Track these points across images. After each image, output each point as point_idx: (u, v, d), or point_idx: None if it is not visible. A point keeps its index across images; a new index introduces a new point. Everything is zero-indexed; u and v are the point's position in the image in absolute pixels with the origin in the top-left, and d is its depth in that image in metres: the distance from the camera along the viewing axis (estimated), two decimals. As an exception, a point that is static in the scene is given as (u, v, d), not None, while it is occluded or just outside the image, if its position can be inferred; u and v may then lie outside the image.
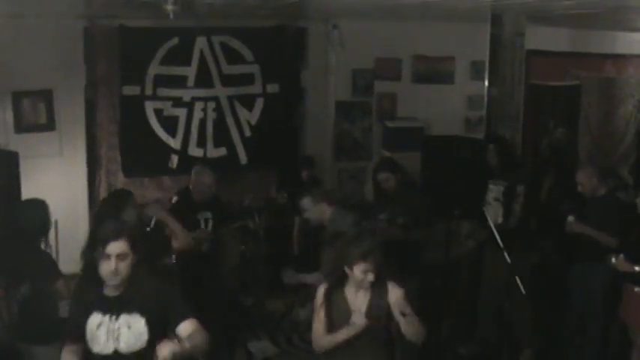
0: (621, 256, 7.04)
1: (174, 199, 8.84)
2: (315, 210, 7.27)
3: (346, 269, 5.52)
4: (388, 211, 8.11)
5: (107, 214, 6.67)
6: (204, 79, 10.50)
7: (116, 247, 4.72)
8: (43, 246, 6.56)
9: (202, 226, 8.53)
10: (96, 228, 6.69)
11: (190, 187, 8.82)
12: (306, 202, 7.38)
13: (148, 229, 7.04)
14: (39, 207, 6.42)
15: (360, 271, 5.44)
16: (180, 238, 6.72)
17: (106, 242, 4.73)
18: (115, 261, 4.70)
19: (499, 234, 7.70)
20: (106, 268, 4.71)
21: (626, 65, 13.54)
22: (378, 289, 5.54)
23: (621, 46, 13.00)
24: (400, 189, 8.16)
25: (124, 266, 4.74)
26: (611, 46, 12.95)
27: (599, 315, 8.07)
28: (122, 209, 6.56)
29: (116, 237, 4.75)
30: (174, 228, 6.88)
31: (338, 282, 5.65)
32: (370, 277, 5.44)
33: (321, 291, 5.76)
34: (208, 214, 8.63)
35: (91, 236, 6.59)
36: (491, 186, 8.50)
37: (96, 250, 4.77)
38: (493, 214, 8.26)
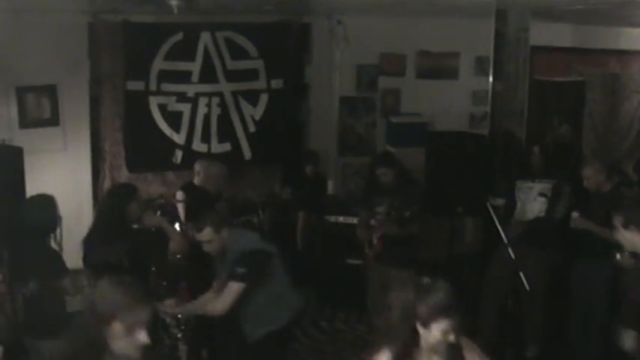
0: (627, 252, 7.02)
1: (179, 194, 8.83)
2: (218, 239, 6.30)
3: (419, 329, 4.24)
4: (386, 204, 8.09)
5: (111, 209, 6.66)
6: (208, 74, 10.50)
7: None
8: (50, 242, 6.55)
9: None
10: (98, 221, 6.71)
11: (197, 181, 8.83)
12: (206, 233, 6.27)
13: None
14: (47, 203, 6.40)
15: (439, 331, 4.18)
16: (176, 241, 6.72)
17: None
18: None
19: (539, 228, 7.79)
20: None
21: (631, 61, 13.52)
22: (452, 351, 4.31)
23: (626, 42, 12.97)
24: (397, 183, 8.14)
25: None
26: (616, 42, 12.93)
27: (604, 311, 8.05)
28: (126, 204, 6.54)
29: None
30: (170, 232, 6.90)
31: (406, 347, 4.29)
32: (451, 337, 4.19)
33: None
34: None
35: (93, 229, 6.61)
36: (532, 184, 8.47)
37: None
38: (537, 209, 8.28)
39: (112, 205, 6.72)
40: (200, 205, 8.26)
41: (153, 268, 7.21)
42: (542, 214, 8.25)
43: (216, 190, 9.02)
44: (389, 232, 7.95)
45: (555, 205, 8.23)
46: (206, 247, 6.26)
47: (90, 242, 6.49)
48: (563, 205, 8.24)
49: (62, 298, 6.35)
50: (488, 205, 7.47)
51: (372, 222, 8.22)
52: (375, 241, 8.11)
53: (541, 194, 8.33)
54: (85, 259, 6.50)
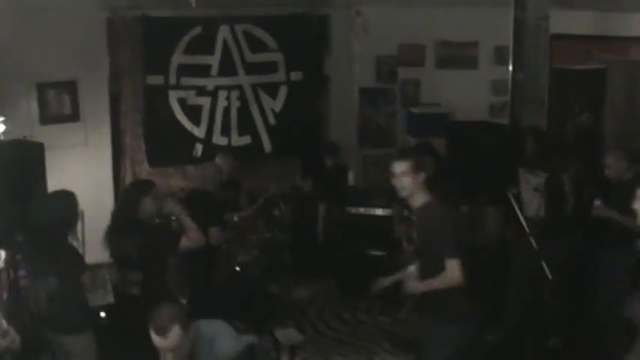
0: (645, 239, 6.99)
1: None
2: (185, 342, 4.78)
3: None
4: None
5: (124, 203, 6.67)
6: (227, 67, 10.52)
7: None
8: (70, 238, 6.57)
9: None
10: (112, 216, 6.72)
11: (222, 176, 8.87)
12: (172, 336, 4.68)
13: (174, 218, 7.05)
14: (67, 199, 6.41)
15: None
16: (191, 237, 6.56)
17: None
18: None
19: (544, 224, 7.73)
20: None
21: (652, 48, 13.44)
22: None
23: (646, 28, 12.89)
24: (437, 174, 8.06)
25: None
26: (637, 28, 12.83)
27: (627, 300, 8.02)
28: (140, 200, 6.52)
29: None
30: (187, 225, 6.61)
31: None
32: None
33: None
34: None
35: (109, 224, 6.62)
36: (527, 176, 8.42)
37: None
38: (532, 205, 8.22)
39: (125, 200, 6.74)
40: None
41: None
42: (541, 209, 8.21)
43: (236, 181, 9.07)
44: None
45: (558, 200, 8.21)
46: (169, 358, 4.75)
47: (106, 237, 6.52)
48: (566, 196, 8.23)
49: (83, 294, 6.39)
50: (509, 194, 7.44)
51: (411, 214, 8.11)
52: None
53: (536, 189, 8.29)
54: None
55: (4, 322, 6.41)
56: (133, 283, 6.20)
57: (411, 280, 6.12)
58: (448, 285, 5.75)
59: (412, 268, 6.14)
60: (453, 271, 5.69)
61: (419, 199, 5.93)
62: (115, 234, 6.45)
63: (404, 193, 5.96)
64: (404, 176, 5.84)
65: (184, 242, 6.40)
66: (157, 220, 6.84)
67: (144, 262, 6.20)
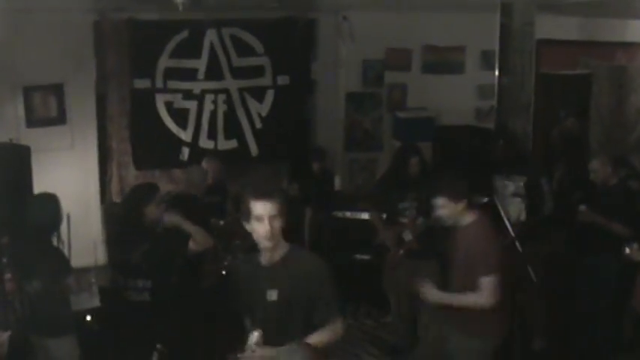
0: (635, 245, 7.01)
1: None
2: None
3: None
4: (410, 198, 8.01)
5: (130, 211, 6.56)
6: (214, 71, 10.53)
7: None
8: (54, 241, 6.56)
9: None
10: (121, 220, 6.65)
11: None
12: None
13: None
14: (50, 202, 6.40)
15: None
16: (198, 240, 6.49)
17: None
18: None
19: (530, 228, 7.74)
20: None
21: (638, 53, 13.46)
22: None
23: (632, 34, 12.91)
24: (423, 175, 8.08)
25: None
26: (622, 34, 12.88)
27: (611, 304, 8.05)
28: (145, 207, 6.45)
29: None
30: (191, 231, 6.49)
31: None
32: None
33: None
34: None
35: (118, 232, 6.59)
36: (504, 182, 8.45)
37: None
38: (515, 210, 8.24)
39: (129, 207, 6.62)
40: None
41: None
42: (522, 213, 8.24)
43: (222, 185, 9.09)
44: (423, 226, 7.90)
45: (538, 203, 8.24)
46: None
47: (112, 244, 6.48)
48: (545, 199, 8.27)
49: (67, 296, 6.37)
50: (494, 198, 7.46)
51: (403, 219, 8.12)
52: (408, 238, 8.05)
53: (515, 194, 8.32)
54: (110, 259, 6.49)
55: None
56: (142, 290, 6.15)
57: (433, 290, 6.17)
58: (479, 304, 5.84)
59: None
60: (487, 290, 5.78)
61: (465, 220, 6.02)
62: (121, 242, 6.41)
63: (449, 222, 6.08)
64: (444, 209, 5.97)
65: (192, 246, 6.35)
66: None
67: (152, 268, 6.14)
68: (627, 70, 13.39)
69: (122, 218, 6.74)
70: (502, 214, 7.25)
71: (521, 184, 8.29)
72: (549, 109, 12.42)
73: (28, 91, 9.60)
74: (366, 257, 9.74)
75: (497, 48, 10.16)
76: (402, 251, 8.07)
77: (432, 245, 7.80)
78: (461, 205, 5.95)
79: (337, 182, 11.40)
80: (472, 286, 5.84)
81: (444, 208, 5.99)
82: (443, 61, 11.91)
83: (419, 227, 7.96)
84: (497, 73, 10.21)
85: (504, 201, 8.23)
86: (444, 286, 6.23)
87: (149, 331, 5.91)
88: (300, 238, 10.35)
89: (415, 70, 11.86)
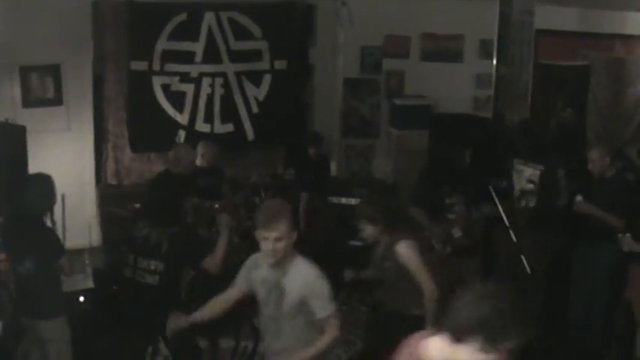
0: (628, 235, 7.03)
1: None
2: None
3: None
4: (459, 192, 7.85)
5: (171, 194, 6.45)
6: (212, 54, 10.50)
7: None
8: (48, 222, 6.54)
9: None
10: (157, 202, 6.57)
11: (201, 162, 8.79)
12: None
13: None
14: (44, 182, 6.38)
15: None
16: (216, 256, 6.34)
17: None
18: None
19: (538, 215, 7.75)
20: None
21: (636, 46, 13.48)
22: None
23: (631, 26, 12.93)
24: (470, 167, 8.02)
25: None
26: (621, 26, 12.88)
27: (605, 296, 8.06)
28: (186, 196, 6.40)
29: None
30: (220, 242, 6.29)
31: None
32: None
33: None
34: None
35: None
36: (522, 167, 8.44)
37: None
38: (522, 196, 8.25)
39: (169, 193, 6.45)
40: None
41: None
42: (532, 200, 8.24)
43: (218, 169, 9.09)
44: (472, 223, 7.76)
45: (550, 192, 8.23)
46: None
47: (136, 221, 6.39)
48: (561, 190, 8.26)
49: (58, 278, 6.35)
50: (490, 188, 7.46)
51: (452, 215, 7.87)
52: (457, 235, 7.81)
53: (530, 180, 8.30)
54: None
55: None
56: (150, 272, 6.08)
57: None
58: None
59: None
60: None
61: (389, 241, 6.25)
62: (143, 221, 6.28)
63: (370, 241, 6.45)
64: (365, 231, 6.31)
65: (206, 262, 6.22)
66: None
67: (169, 255, 6.06)
68: (625, 62, 13.40)
69: (157, 200, 6.57)
70: (497, 202, 7.26)
71: (538, 171, 8.28)
72: (547, 99, 12.43)
73: (24, 71, 9.56)
74: (360, 243, 9.75)
75: (496, 37, 10.16)
76: (449, 249, 7.90)
77: (478, 242, 7.70)
78: (379, 229, 6.16)
79: (333, 168, 11.39)
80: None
81: (365, 230, 6.29)
82: (441, 50, 11.90)
83: (469, 224, 7.77)
84: (495, 62, 10.21)
85: (517, 185, 8.25)
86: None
87: (151, 315, 5.85)
88: (296, 224, 10.37)
89: (413, 57, 11.84)
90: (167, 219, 6.09)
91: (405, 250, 6.06)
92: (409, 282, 6.06)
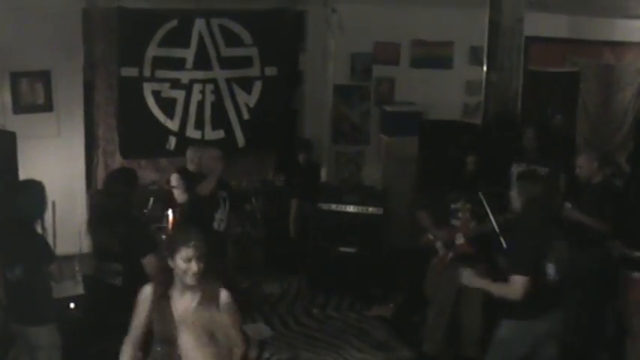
0: (617, 242, 7.05)
1: (174, 179, 8.56)
2: None
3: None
4: (464, 198, 7.86)
5: (114, 191, 6.51)
6: (202, 61, 10.52)
7: None
8: (38, 228, 6.54)
9: (221, 205, 8.37)
10: (102, 205, 6.62)
11: (190, 167, 8.69)
12: None
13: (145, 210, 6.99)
14: (35, 189, 6.37)
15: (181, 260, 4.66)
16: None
17: None
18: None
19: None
20: None
21: (625, 52, 13.51)
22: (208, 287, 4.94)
23: (620, 33, 12.95)
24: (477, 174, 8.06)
25: None
26: (610, 33, 12.91)
27: (594, 301, 8.08)
28: (129, 191, 6.45)
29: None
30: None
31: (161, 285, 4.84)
32: (193, 265, 4.68)
33: None
34: (224, 193, 8.47)
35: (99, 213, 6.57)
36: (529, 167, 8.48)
37: None
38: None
39: (115, 189, 6.57)
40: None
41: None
42: None
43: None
44: (476, 230, 7.73)
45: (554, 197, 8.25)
46: None
47: (90, 225, 6.46)
48: (560, 196, 8.29)
49: (49, 284, 6.34)
50: (480, 194, 7.47)
51: (455, 221, 7.89)
52: (460, 241, 7.80)
53: None
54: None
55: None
56: (113, 274, 6.15)
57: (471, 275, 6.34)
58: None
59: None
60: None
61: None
62: (102, 226, 6.38)
63: None
64: None
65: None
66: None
67: (124, 254, 6.12)
68: (615, 68, 13.44)
69: (106, 201, 6.66)
70: (487, 208, 7.26)
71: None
72: (537, 106, 12.45)
73: (15, 77, 9.56)
74: (350, 249, 9.78)
75: (485, 44, 10.17)
76: (451, 254, 7.96)
77: (482, 251, 7.68)
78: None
79: (323, 174, 11.40)
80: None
81: None
82: (431, 56, 11.91)
83: (472, 231, 7.75)
84: (485, 69, 10.22)
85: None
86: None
87: (119, 316, 5.84)
88: (286, 230, 10.38)
89: (403, 64, 11.86)
90: (115, 219, 6.21)
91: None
92: None
